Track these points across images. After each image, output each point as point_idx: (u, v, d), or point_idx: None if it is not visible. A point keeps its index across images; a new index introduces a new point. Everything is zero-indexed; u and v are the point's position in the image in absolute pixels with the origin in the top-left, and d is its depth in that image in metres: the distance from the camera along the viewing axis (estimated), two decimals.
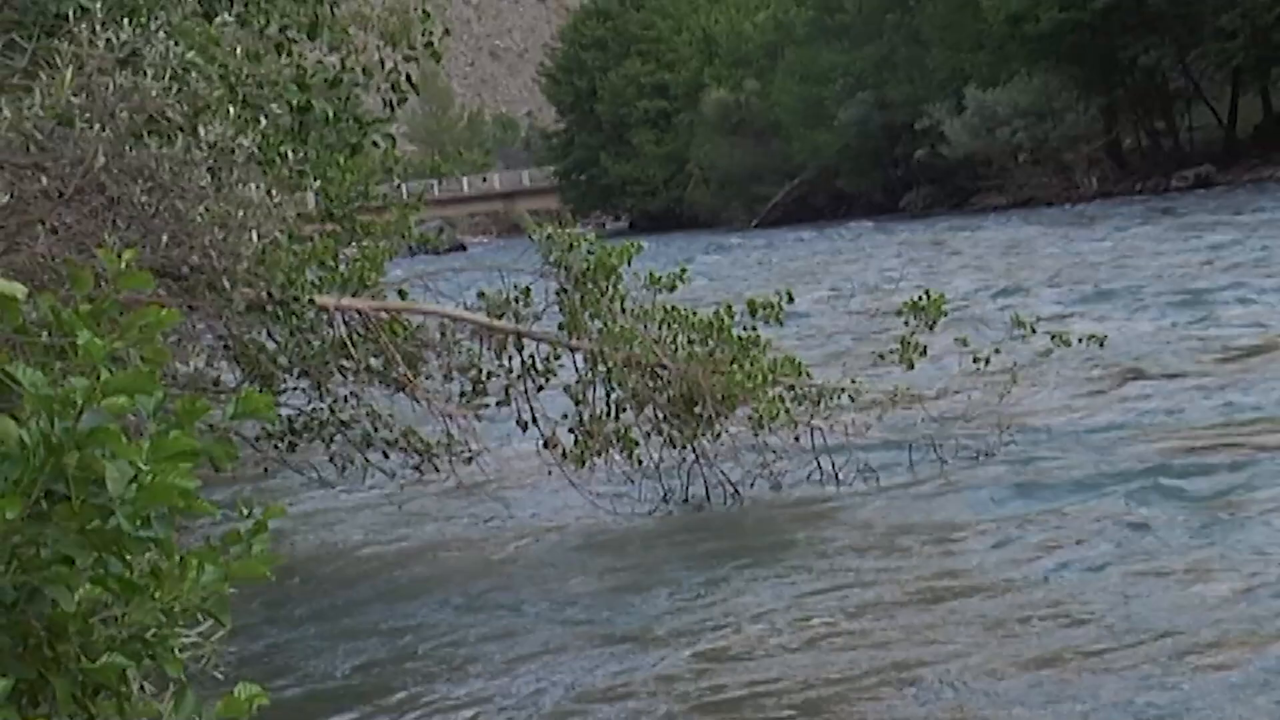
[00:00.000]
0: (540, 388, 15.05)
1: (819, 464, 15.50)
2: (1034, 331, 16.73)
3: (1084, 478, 15.06)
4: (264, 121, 10.71)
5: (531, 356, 14.96)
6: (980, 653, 10.37)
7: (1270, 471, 14.41)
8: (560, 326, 14.89)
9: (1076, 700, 9.22)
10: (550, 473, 15.32)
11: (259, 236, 9.65)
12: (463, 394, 15.03)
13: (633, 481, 15.24)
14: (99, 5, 9.13)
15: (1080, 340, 16.96)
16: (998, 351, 16.73)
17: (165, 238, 8.98)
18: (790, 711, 9.64)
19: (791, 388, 15.17)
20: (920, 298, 16.12)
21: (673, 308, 14.91)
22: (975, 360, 16.67)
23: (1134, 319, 27.91)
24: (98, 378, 3.83)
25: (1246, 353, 22.27)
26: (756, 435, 15.05)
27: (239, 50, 10.76)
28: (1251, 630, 10.12)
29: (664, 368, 14.58)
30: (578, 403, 14.95)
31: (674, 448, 15.03)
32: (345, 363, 14.47)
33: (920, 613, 11.53)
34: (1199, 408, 18.35)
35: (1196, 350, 23.21)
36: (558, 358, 15.02)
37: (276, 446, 15.01)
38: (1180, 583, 11.42)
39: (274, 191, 9.79)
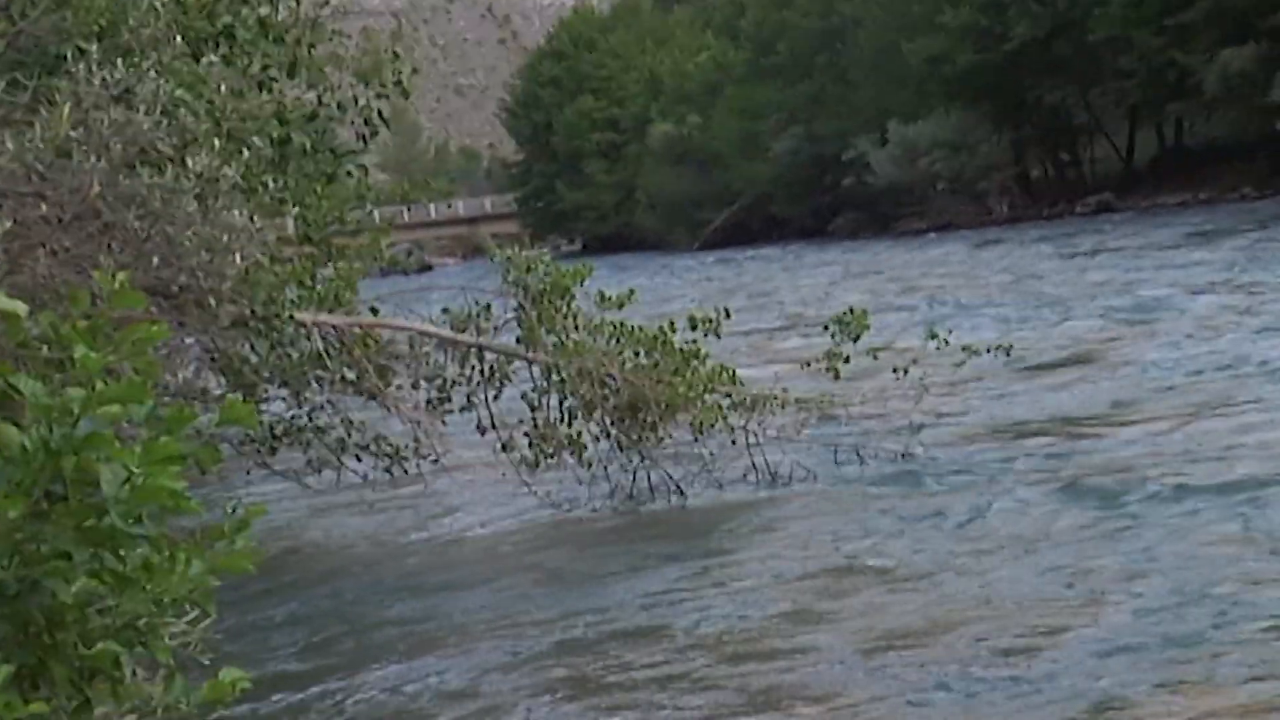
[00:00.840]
0: (499, 396, 15.07)
1: (754, 464, 15.55)
2: (947, 343, 16.81)
3: (967, 472, 15.46)
4: (247, 153, 10.71)
5: (491, 367, 14.99)
6: (865, 626, 10.63)
7: (1106, 460, 15.08)
8: (518, 340, 14.92)
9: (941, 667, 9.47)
10: (507, 474, 15.34)
11: (242, 258, 9.64)
12: (429, 401, 15.05)
13: (583, 481, 15.28)
14: (95, 46, 9.13)
15: (989, 350, 17.13)
16: (915, 362, 16.87)
17: (156, 260, 8.97)
18: (689, 682, 9.79)
19: (728, 395, 15.23)
20: (845, 313, 16.19)
21: (621, 323, 14.96)
22: (895, 371, 16.83)
23: (1014, 327, 28.42)
24: (93, 388, 3.83)
25: (1086, 357, 23.33)
26: (696, 439, 15.10)
27: (224, 88, 10.74)
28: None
29: (612, 378, 14.62)
30: (533, 409, 14.98)
31: (621, 450, 15.08)
32: (321, 373, 14.49)
33: (824, 594, 11.70)
34: (1048, 403, 19.22)
35: (1051, 353, 24.19)
36: (515, 368, 15.04)
37: (259, 450, 15.02)
38: (1042, 558, 11.79)
39: (256, 217, 9.79)
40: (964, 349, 17.02)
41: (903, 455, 16.12)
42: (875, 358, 17.08)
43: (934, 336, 16.83)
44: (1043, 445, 16.44)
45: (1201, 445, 15.36)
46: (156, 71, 9.40)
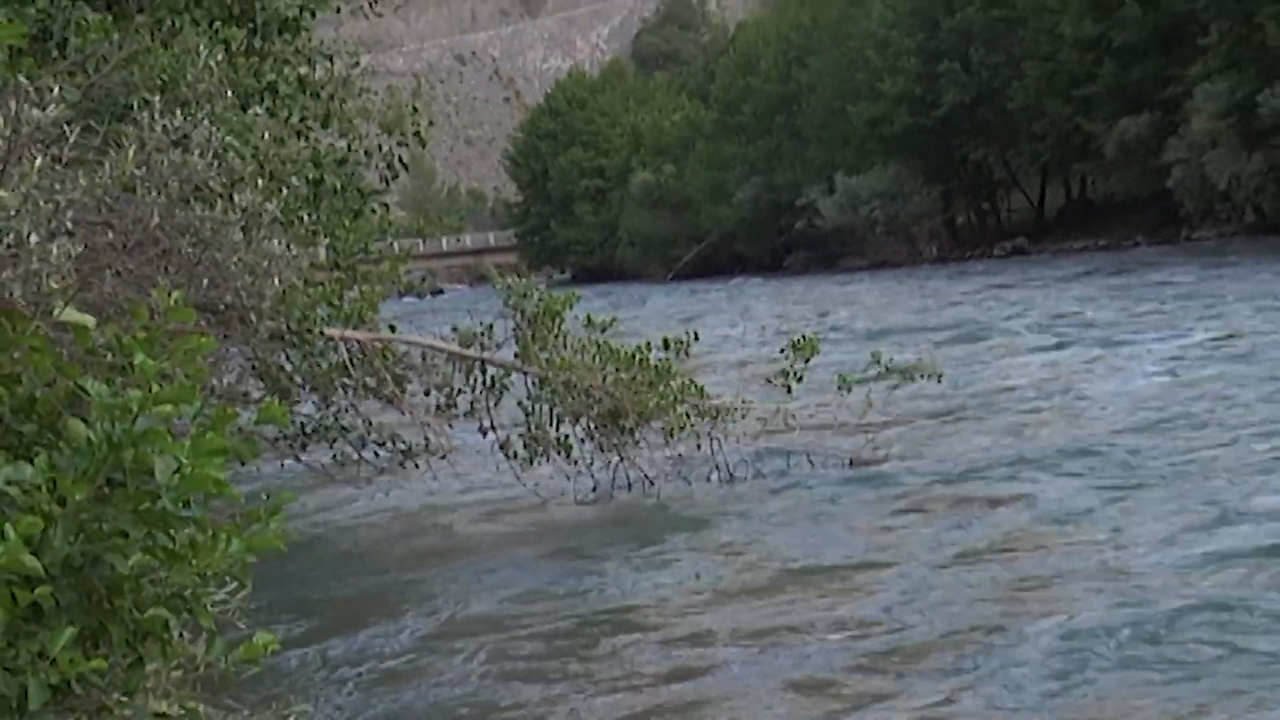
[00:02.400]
0: (498, 402, 15.05)
1: (716, 464, 15.55)
2: (887, 369, 16.83)
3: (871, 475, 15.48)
4: (286, 191, 10.70)
5: (492, 378, 14.97)
6: (782, 599, 10.80)
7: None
8: (515, 355, 14.89)
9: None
10: (504, 469, 15.35)
11: (280, 281, 9.62)
12: (438, 406, 15.02)
13: (569, 477, 15.26)
14: (158, 98, 9.12)
15: (924, 376, 17.18)
16: (859, 381, 16.91)
17: (206, 281, 8.95)
18: (649, 641, 9.93)
19: (695, 406, 15.21)
20: (799, 339, 16.20)
21: (604, 342, 14.95)
22: (840, 388, 16.86)
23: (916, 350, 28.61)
24: (150, 390, 3.83)
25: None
26: (667, 443, 15.09)
27: (267, 135, 10.73)
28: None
29: (596, 389, 14.60)
30: (527, 415, 14.95)
31: (602, 451, 15.05)
32: (346, 381, 14.47)
33: (760, 572, 11.84)
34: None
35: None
36: (512, 379, 15.03)
37: (291, 446, 14.98)
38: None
39: (293, 246, 9.76)
40: (900, 373, 17.07)
41: (846, 461, 16.17)
42: (843, 379, 17.20)
43: (877, 361, 16.85)
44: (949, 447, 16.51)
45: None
46: (209, 120, 9.38)
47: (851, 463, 16.14)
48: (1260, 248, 54.77)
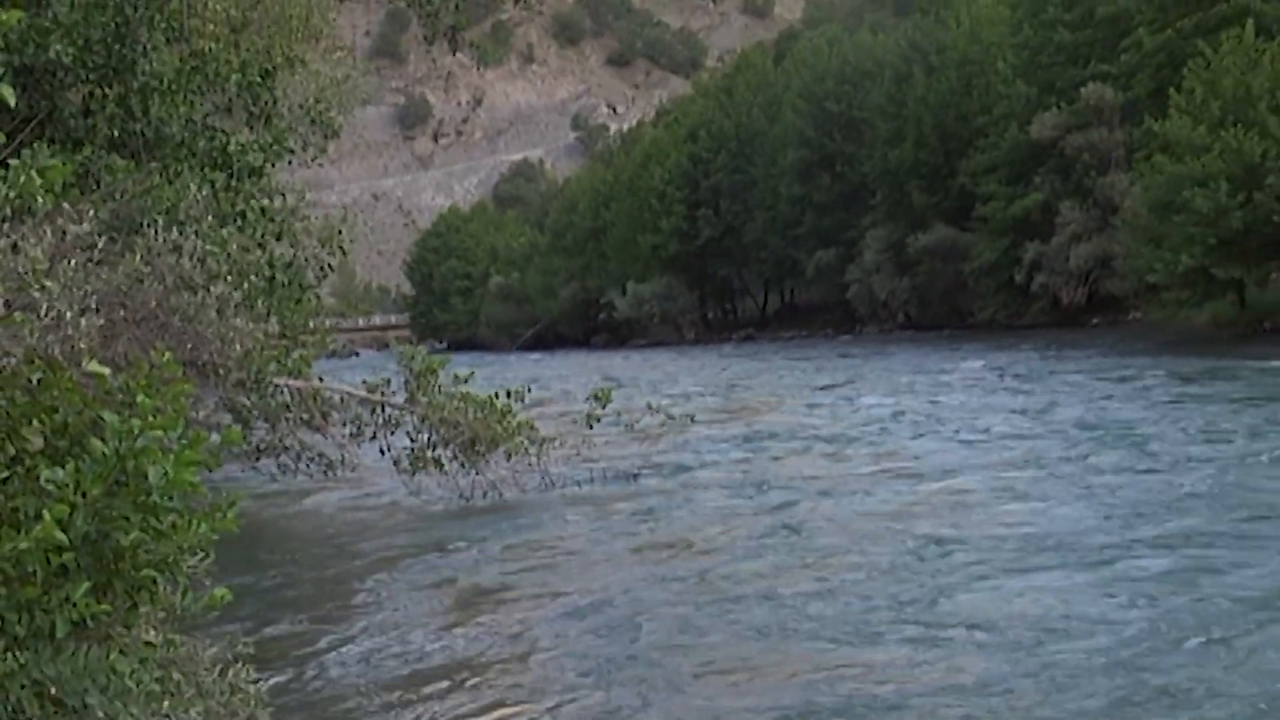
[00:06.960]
0: (393, 432, 14.95)
1: (542, 477, 15.56)
2: (656, 411, 16.99)
3: (656, 488, 15.41)
4: (248, 285, 10.60)
5: (389, 415, 14.88)
6: (597, 573, 10.60)
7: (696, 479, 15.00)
8: (405, 399, 14.82)
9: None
10: (395, 479, 15.24)
11: (242, 346, 9.52)
12: (351, 434, 14.90)
13: (441, 485, 15.18)
14: (161, 220, 9.03)
15: (676, 417, 17.35)
16: (639, 420, 17.05)
17: (190, 345, 8.84)
18: (481, 607, 9.74)
19: (529, 437, 15.24)
20: (599, 390, 16.33)
21: (466, 391, 14.94)
22: (628, 427, 16.98)
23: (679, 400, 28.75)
24: (147, 419, 3.83)
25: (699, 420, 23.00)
26: (508, 462, 15.09)
27: (237, 246, 10.63)
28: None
29: (460, 423, 14.57)
30: (412, 441, 14.87)
31: (464, 467, 15.00)
32: (288, 414, 14.33)
33: (574, 554, 11.69)
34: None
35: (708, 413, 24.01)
36: (403, 416, 14.94)
37: (248, 458, 14.79)
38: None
39: (251, 323, 9.68)
40: (667, 416, 17.22)
41: (630, 475, 16.29)
42: (626, 416, 17.18)
43: (650, 406, 17.02)
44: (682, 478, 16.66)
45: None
46: (197, 235, 9.29)
47: (631, 474, 16.27)
48: (903, 339, 56.99)
